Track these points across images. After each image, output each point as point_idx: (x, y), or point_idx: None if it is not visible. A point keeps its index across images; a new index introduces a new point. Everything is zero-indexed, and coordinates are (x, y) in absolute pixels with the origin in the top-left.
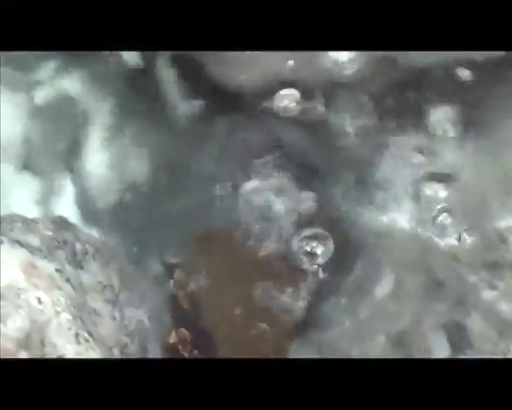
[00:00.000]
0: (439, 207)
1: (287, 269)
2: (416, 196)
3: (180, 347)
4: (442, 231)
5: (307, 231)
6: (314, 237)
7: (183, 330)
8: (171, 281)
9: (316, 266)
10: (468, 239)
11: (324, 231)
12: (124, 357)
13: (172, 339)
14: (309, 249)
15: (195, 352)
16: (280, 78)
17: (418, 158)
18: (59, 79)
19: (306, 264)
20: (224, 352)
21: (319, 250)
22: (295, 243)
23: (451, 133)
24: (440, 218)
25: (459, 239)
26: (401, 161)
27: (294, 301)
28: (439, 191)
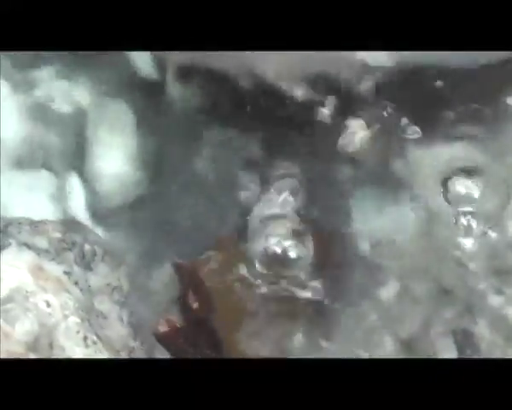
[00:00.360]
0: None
1: None
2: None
3: (171, 335)
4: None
5: None
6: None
7: (171, 317)
8: (181, 282)
9: None
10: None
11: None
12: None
13: (162, 328)
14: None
15: (184, 341)
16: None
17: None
18: (64, 79)
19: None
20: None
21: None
22: None
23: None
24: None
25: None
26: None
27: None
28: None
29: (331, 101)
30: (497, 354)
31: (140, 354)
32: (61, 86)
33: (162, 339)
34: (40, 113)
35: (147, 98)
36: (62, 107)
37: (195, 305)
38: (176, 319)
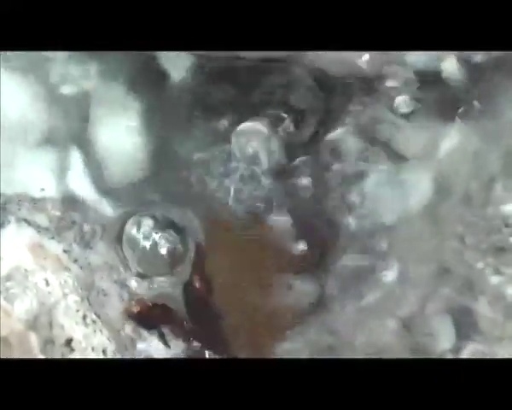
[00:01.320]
0: None
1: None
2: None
3: (143, 313)
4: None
5: None
6: None
7: (143, 298)
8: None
9: None
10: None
11: None
12: (132, 341)
13: (135, 308)
14: None
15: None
16: None
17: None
18: (71, 62)
19: None
20: (231, 337)
21: None
22: None
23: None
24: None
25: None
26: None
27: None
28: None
29: None
30: (497, 332)
31: (139, 331)
32: (67, 67)
33: (134, 317)
34: (43, 91)
35: (150, 82)
36: (66, 86)
37: (198, 284)
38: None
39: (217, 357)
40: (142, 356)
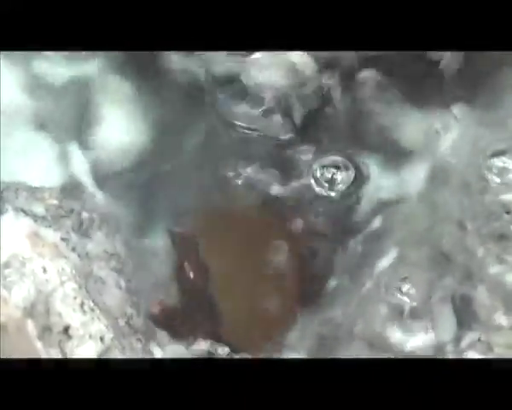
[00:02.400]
0: None
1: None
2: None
3: (165, 316)
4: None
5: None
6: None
7: (164, 299)
8: (177, 250)
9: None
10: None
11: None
12: (129, 328)
13: (155, 309)
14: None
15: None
16: None
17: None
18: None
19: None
20: (228, 322)
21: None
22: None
23: None
24: None
25: None
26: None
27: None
28: None
29: None
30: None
31: (137, 321)
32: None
33: (157, 320)
34: (41, 80)
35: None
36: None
37: (192, 274)
38: (170, 299)
39: (217, 357)
40: None
